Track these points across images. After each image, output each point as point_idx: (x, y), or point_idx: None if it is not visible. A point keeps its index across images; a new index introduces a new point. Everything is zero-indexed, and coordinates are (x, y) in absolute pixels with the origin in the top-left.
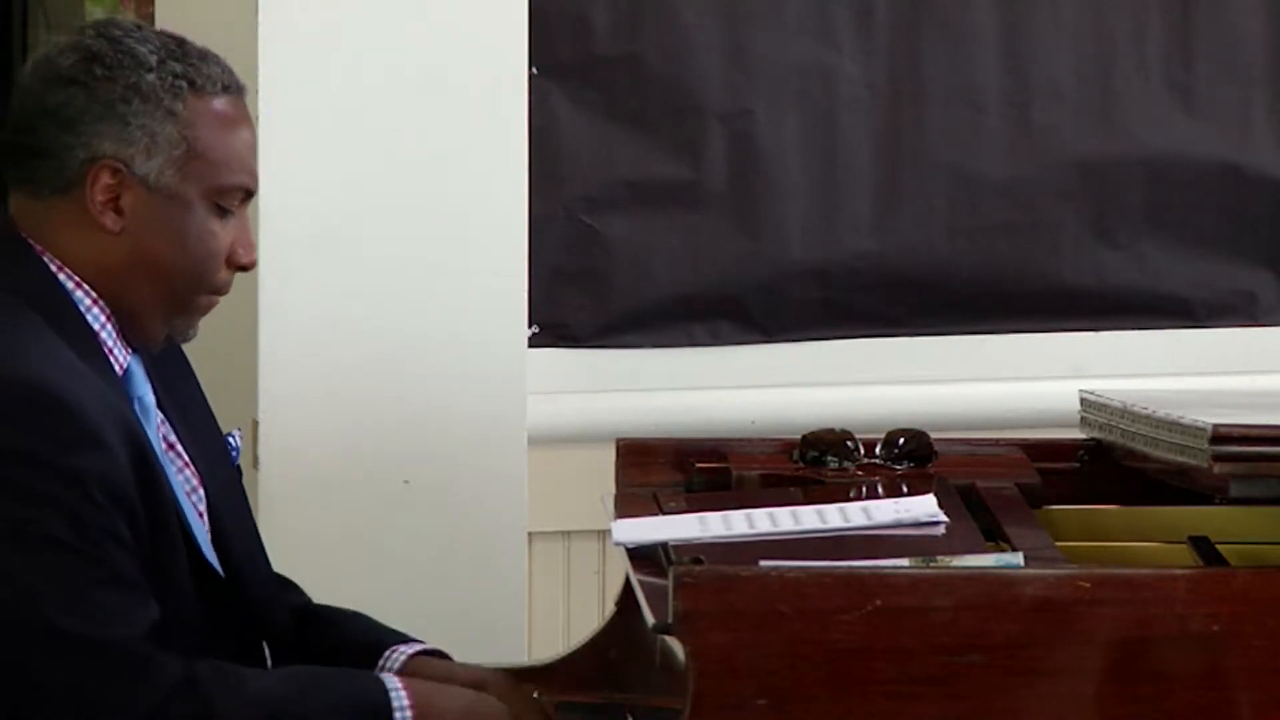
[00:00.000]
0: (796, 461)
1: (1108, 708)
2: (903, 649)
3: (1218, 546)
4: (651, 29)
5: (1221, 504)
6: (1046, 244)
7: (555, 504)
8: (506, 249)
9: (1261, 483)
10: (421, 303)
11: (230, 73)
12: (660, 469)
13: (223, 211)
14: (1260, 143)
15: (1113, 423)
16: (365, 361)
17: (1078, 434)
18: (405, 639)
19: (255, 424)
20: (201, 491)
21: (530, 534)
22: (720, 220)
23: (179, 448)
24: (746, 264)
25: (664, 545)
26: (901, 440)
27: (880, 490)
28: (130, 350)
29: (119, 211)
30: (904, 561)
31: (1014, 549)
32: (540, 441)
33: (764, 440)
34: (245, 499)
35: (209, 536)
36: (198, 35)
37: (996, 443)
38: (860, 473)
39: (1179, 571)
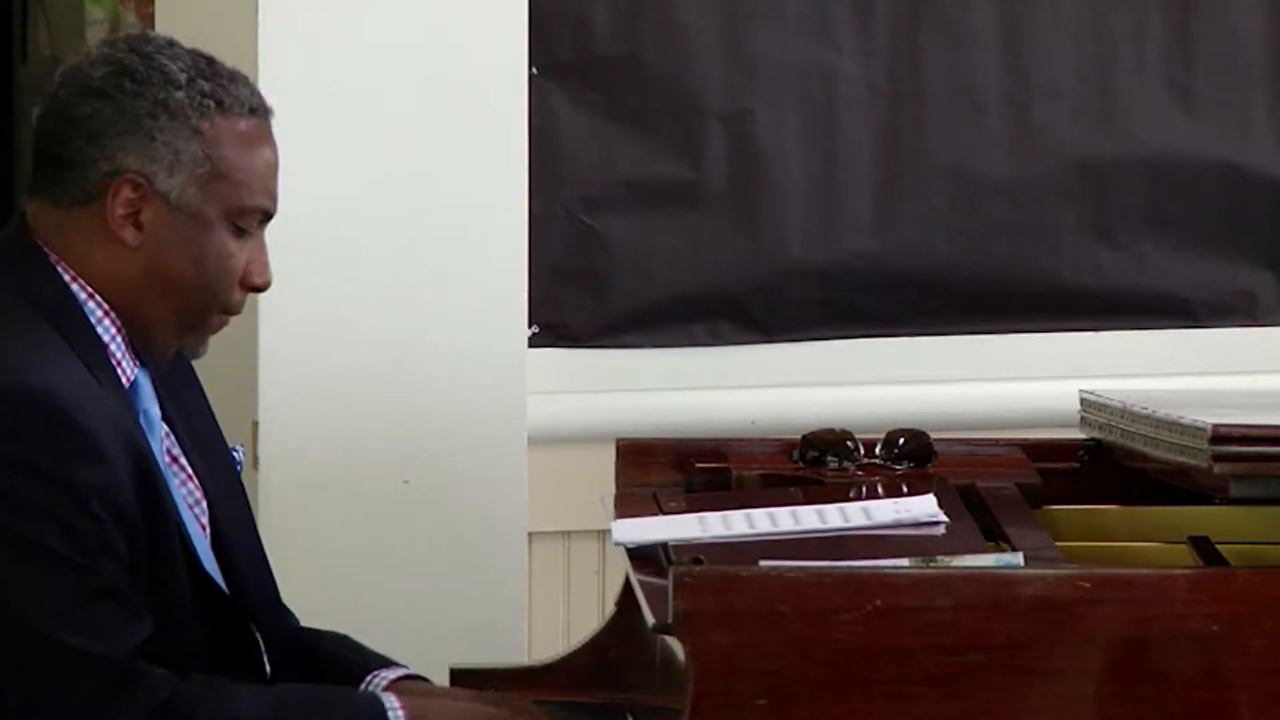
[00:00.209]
0: (796, 461)
1: (1108, 708)
2: (903, 649)
3: (1218, 546)
4: (651, 29)
5: (1221, 504)
6: (1046, 244)
7: (555, 504)
8: (506, 249)
9: (1261, 483)
10: (421, 303)
11: (258, 95)
12: (660, 469)
13: (240, 232)
14: (1260, 143)
15: (1113, 423)
16: (365, 362)
17: (1078, 434)
18: (388, 663)
19: (255, 424)
20: (205, 504)
21: (530, 534)
22: (720, 220)
23: (183, 461)
24: (746, 264)
25: (664, 545)
26: (901, 440)
27: (880, 490)
28: (138, 364)
29: (138, 226)
30: (904, 561)
31: (1014, 549)
32: (540, 441)
33: (764, 440)
34: (250, 512)
35: (210, 550)
36: (198, 35)
37: (996, 443)
38: (860, 473)
39: (1179, 571)
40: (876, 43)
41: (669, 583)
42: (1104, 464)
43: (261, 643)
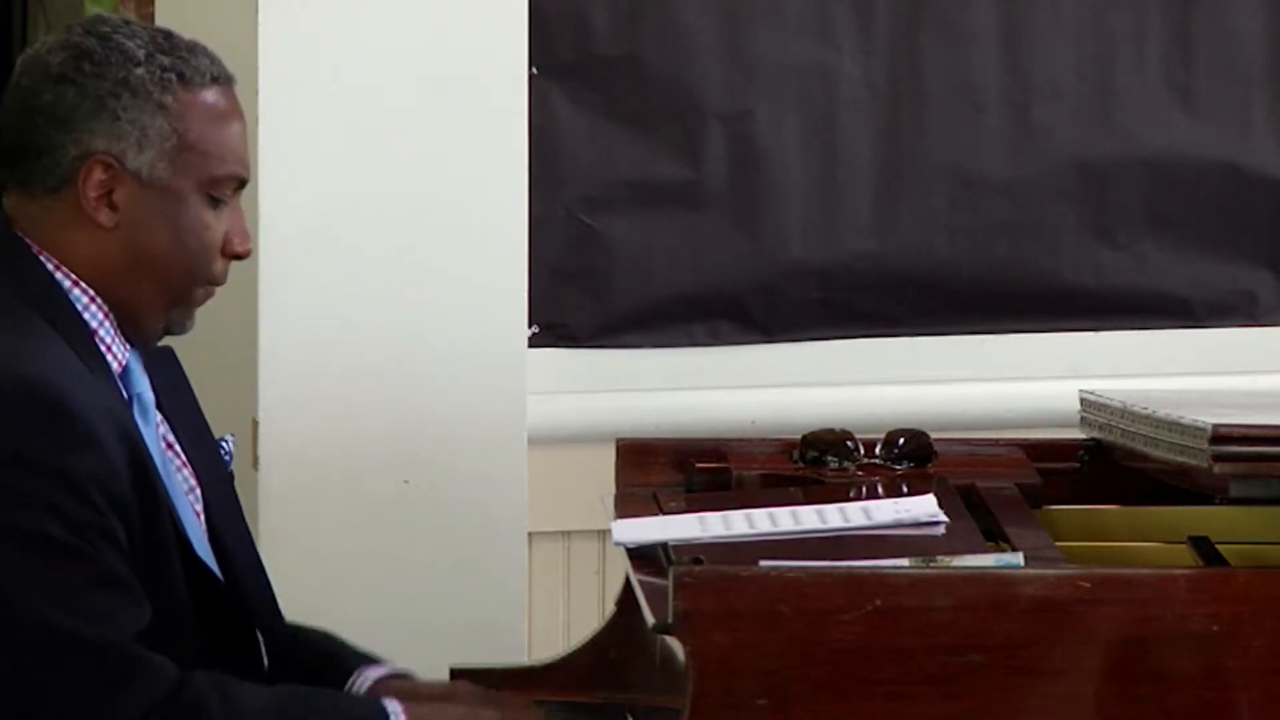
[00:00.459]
0: (796, 461)
1: (1108, 708)
2: (903, 649)
3: (1218, 546)
4: (651, 29)
5: (1221, 504)
6: (1046, 244)
7: (555, 504)
8: (506, 249)
9: (1261, 483)
10: (421, 302)
11: (219, 64)
12: (660, 469)
13: (216, 202)
14: (1260, 143)
15: (1113, 423)
16: (365, 361)
17: (1078, 434)
18: (373, 661)
19: (255, 424)
20: (199, 491)
21: (530, 534)
22: (720, 220)
23: (177, 447)
24: (746, 264)
25: (664, 545)
26: (901, 440)
27: (880, 490)
28: (128, 346)
29: (113, 207)
30: (904, 561)
31: (1014, 549)
32: (540, 441)
33: (764, 440)
34: (238, 503)
35: (205, 537)
36: (198, 35)
37: (996, 443)
38: (860, 473)
39: (1179, 571)
40: (876, 43)
41: (669, 583)
42: (1104, 464)
43: (257, 630)
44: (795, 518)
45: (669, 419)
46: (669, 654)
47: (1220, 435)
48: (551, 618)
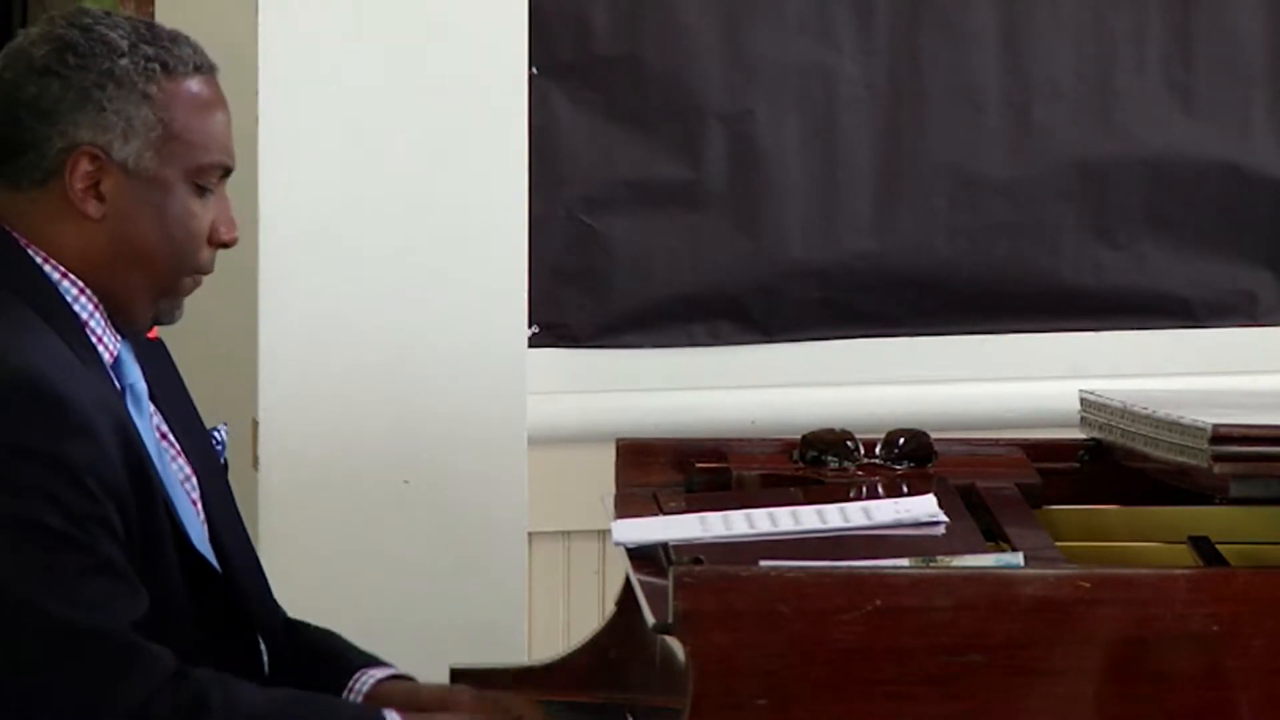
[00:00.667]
0: (796, 461)
1: (1108, 708)
2: (903, 649)
3: (1218, 546)
4: (651, 29)
5: (1221, 504)
6: (1046, 244)
7: (555, 504)
8: (506, 249)
9: (1261, 483)
10: (421, 303)
11: (201, 53)
12: (660, 469)
13: (202, 191)
14: (1260, 143)
15: (1113, 423)
16: (365, 361)
17: (1078, 434)
18: (376, 662)
19: (255, 424)
20: (195, 480)
21: (530, 534)
22: (720, 220)
23: (171, 438)
24: (746, 264)
25: (664, 545)
26: (901, 440)
27: (880, 490)
28: (119, 337)
29: (100, 198)
30: (904, 561)
31: (1014, 549)
32: (540, 441)
33: (764, 440)
34: (231, 494)
35: (204, 527)
36: (198, 35)
37: (996, 443)
38: (860, 473)
39: (1179, 571)
40: (876, 43)
41: (669, 583)
42: (1104, 464)
43: (254, 621)
44: (795, 518)
45: (669, 419)
46: (669, 654)
47: (1220, 435)
48: (551, 618)
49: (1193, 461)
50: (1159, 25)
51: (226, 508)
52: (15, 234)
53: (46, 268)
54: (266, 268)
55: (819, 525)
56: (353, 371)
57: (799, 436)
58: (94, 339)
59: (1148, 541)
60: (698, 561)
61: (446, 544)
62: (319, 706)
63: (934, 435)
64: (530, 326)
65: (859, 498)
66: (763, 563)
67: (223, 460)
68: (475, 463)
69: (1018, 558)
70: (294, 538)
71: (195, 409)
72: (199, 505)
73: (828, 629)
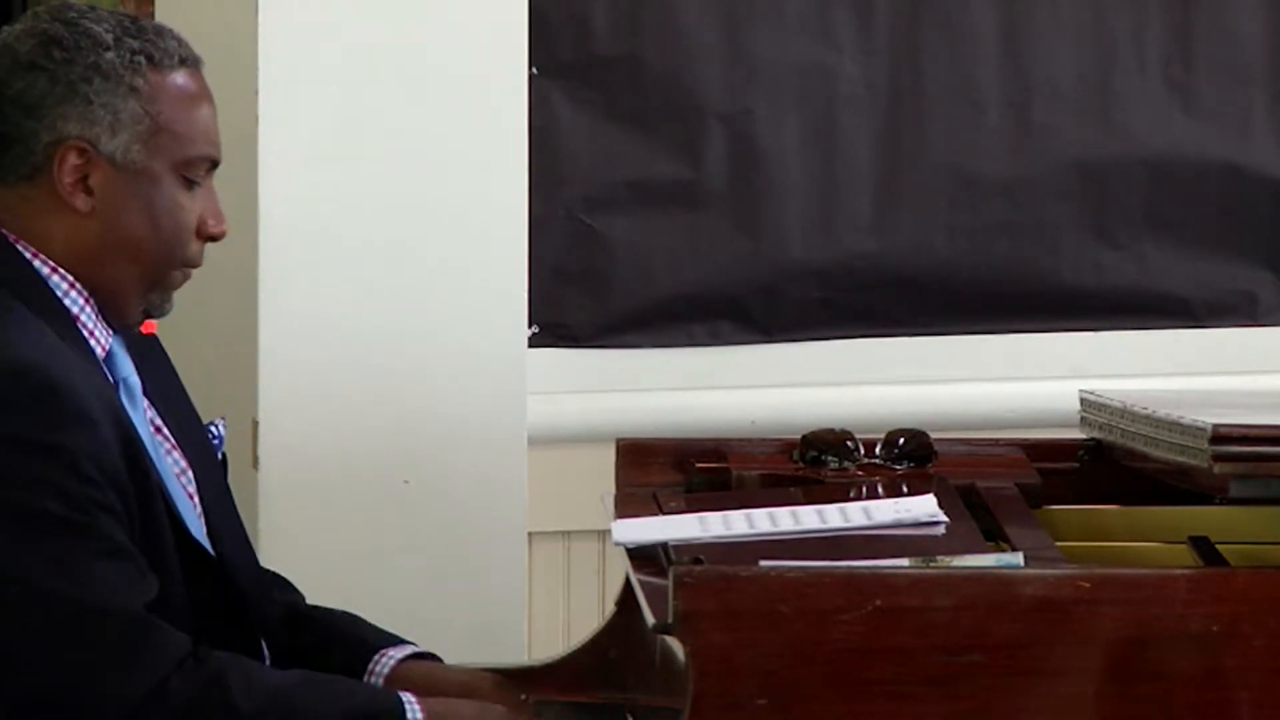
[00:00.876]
0: (796, 461)
1: (1108, 708)
2: (903, 649)
3: (1218, 546)
4: (651, 29)
5: (1221, 504)
6: (1046, 244)
7: (555, 504)
8: (506, 249)
9: (1261, 483)
10: (421, 303)
11: (186, 46)
12: (660, 469)
13: (189, 184)
14: (1260, 143)
15: (1113, 423)
16: (365, 361)
17: (1078, 434)
18: (396, 641)
19: (255, 424)
20: (191, 473)
21: (530, 534)
22: (720, 220)
23: (166, 431)
24: (746, 264)
25: (664, 545)
26: (901, 440)
27: (880, 490)
28: (111, 331)
29: (88, 191)
30: (904, 561)
31: (1014, 549)
32: (540, 441)
33: (764, 440)
34: (228, 489)
35: (201, 520)
36: (198, 35)
37: (996, 443)
38: (860, 473)
39: (1179, 571)
40: (876, 43)
41: (669, 583)
42: (1104, 464)
43: (252, 614)
44: (795, 518)
45: (669, 419)
46: (669, 654)
47: (1220, 435)
48: (551, 618)
49: (1193, 461)
50: (1159, 25)
51: (223, 501)
52: (4, 229)
53: (36, 262)
54: (266, 268)
55: (819, 525)
56: (353, 371)
57: (799, 436)
58: (85, 333)
59: (1148, 541)
60: (698, 561)
61: (446, 544)
62: (334, 687)
63: (934, 435)
64: (530, 326)
65: (859, 498)
66: (763, 563)
67: (221, 455)
68: (475, 463)
69: (1018, 558)
70: (294, 537)
71: (191, 404)
72: (195, 499)
73: (828, 629)
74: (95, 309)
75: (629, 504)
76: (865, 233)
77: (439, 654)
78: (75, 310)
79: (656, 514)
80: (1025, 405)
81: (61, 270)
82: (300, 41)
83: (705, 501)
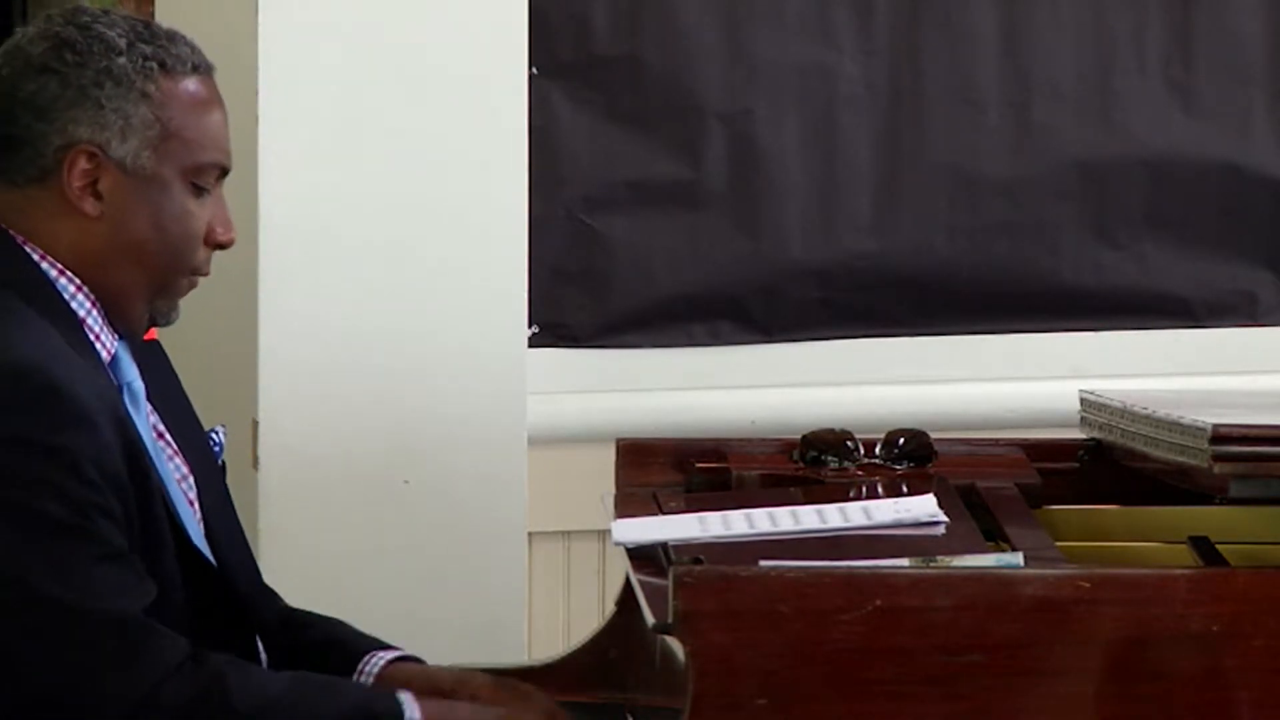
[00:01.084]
0: (796, 461)
1: (1108, 708)
2: (903, 649)
3: (1218, 546)
4: (651, 29)
5: (1221, 504)
6: (1046, 244)
7: (555, 504)
8: (506, 249)
9: (1261, 483)
10: (421, 303)
11: (199, 52)
12: (660, 469)
13: (199, 190)
14: (1260, 143)
15: (1113, 423)
16: (365, 361)
17: (1078, 434)
18: (383, 645)
19: (255, 424)
20: (191, 479)
21: (530, 534)
22: (720, 220)
23: (168, 436)
24: (746, 264)
25: (664, 545)
26: (901, 440)
27: (880, 490)
28: (116, 336)
29: (97, 196)
30: (904, 561)
31: (1014, 549)
32: (540, 441)
33: (764, 440)
34: (228, 494)
35: (200, 525)
36: (198, 35)
37: (996, 443)
38: (860, 473)
39: (1179, 571)
40: (876, 43)
41: (669, 583)
42: (1104, 464)
43: (251, 619)
44: (795, 518)
45: (669, 419)
46: (669, 654)
47: (1220, 435)
48: (551, 618)
49: (1193, 461)
50: (1159, 25)
51: (223, 507)
52: (12, 231)
53: (44, 265)
54: (266, 268)
55: (819, 525)
56: (353, 371)
57: (799, 436)
58: (91, 336)
59: (1148, 541)
60: (698, 561)
61: (446, 544)
62: (333, 688)
63: (934, 435)
64: (530, 326)
65: (859, 498)
66: (763, 563)
67: (220, 461)
68: (475, 463)
69: (1018, 558)
70: (294, 538)
71: (193, 410)
72: (195, 505)
73: (828, 629)
74: (101, 313)
75: (629, 504)
76: (865, 233)
77: (440, 654)
78: (82, 313)
79: (656, 514)
80: (1025, 405)
81: (69, 273)
82: (300, 41)
83: (705, 501)
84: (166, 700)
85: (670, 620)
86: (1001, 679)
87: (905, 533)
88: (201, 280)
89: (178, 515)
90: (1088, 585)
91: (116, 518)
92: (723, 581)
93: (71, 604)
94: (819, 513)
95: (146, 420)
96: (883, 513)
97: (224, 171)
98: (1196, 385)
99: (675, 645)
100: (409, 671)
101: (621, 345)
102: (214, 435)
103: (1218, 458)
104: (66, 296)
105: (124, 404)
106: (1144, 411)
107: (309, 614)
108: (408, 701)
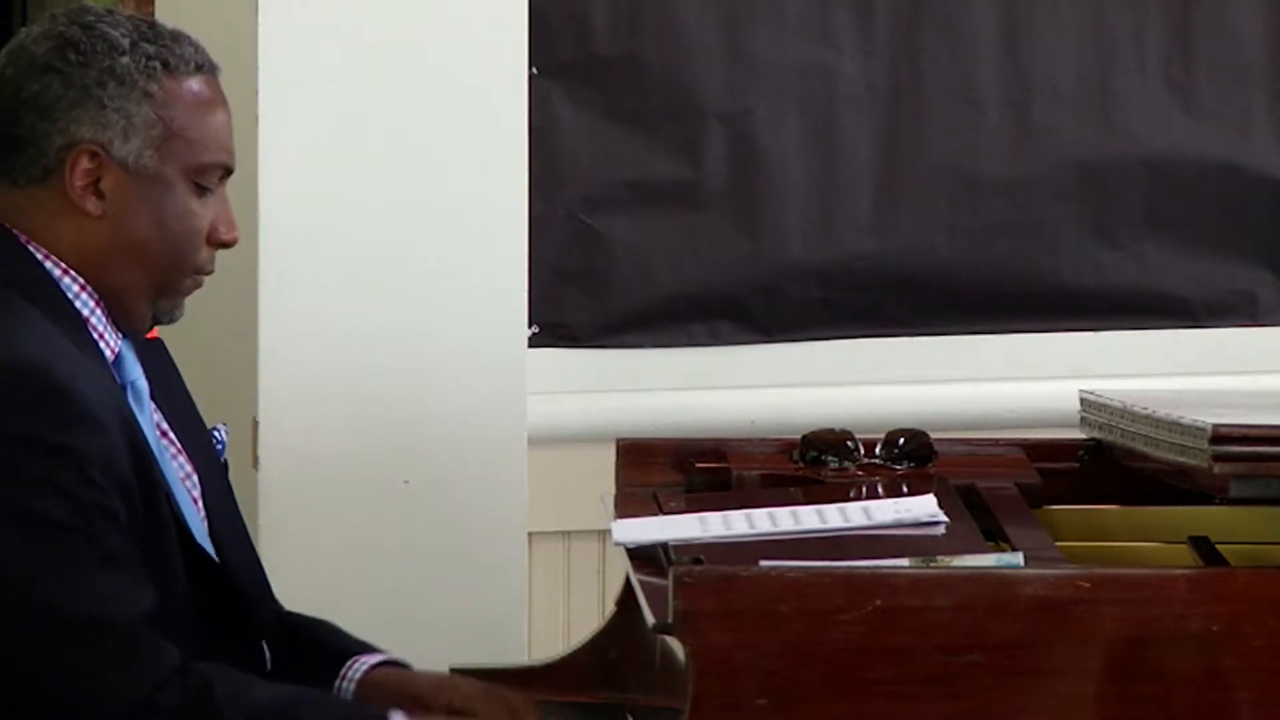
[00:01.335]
0: (796, 461)
1: (1108, 708)
2: (903, 649)
3: (1218, 546)
4: (651, 29)
5: (1221, 504)
6: (1046, 244)
7: (555, 504)
8: (506, 249)
9: (1261, 483)
10: (421, 303)
11: (203, 52)
12: (660, 469)
13: (202, 190)
14: (1260, 143)
15: (1113, 423)
16: (365, 361)
17: (1078, 434)
18: (369, 649)
19: (255, 424)
20: (195, 478)
21: (530, 534)
22: (720, 220)
23: (171, 435)
24: (746, 264)
25: (664, 545)
26: (901, 440)
27: (880, 490)
28: (120, 335)
29: (99, 195)
30: (904, 561)
31: (1014, 549)
32: (540, 441)
33: (764, 440)
34: (231, 493)
35: (204, 524)
36: (198, 35)
37: (996, 443)
38: (860, 473)
39: (1179, 571)
40: (876, 43)
41: (669, 583)
42: (1104, 464)
43: (254, 618)
44: (795, 518)
45: (669, 419)
46: (669, 654)
47: (1220, 435)
48: (551, 618)
49: (1193, 461)
50: (1159, 25)
51: (227, 506)
52: (15, 231)
53: (48, 264)
54: (266, 268)
55: (819, 525)
56: (353, 371)
57: (799, 436)
58: (95, 335)
59: (1148, 541)
60: (698, 561)
61: (446, 544)
62: (325, 703)
63: (934, 435)
64: (530, 326)
65: (859, 498)
66: (763, 563)
67: (223, 460)
68: (475, 463)
69: (1018, 558)
70: (294, 537)
71: (196, 409)
72: (199, 503)
73: (828, 629)
74: (105, 312)
75: (629, 504)
76: (865, 233)
77: (440, 654)
78: (85, 313)
79: (656, 514)
80: (1025, 405)
81: (72, 273)
82: (300, 41)
83: (705, 501)
84: (156, 709)
85: (670, 620)
86: (1001, 679)
87: (905, 533)
88: (203, 280)
89: (181, 514)
90: (1088, 585)
91: (119, 519)
92: (723, 581)
93: (67, 608)
94: (819, 513)
95: (150, 419)
96: (883, 513)
97: (227, 171)
98: (1196, 385)
99: (675, 645)
100: (389, 678)
101: (621, 345)
102: (216, 433)
103: (1218, 458)
104: (70, 296)
105: (128, 403)
106: (1144, 411)
107: (299, 616)
108: None
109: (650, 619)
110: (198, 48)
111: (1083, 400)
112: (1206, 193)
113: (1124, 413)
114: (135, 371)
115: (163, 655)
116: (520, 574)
